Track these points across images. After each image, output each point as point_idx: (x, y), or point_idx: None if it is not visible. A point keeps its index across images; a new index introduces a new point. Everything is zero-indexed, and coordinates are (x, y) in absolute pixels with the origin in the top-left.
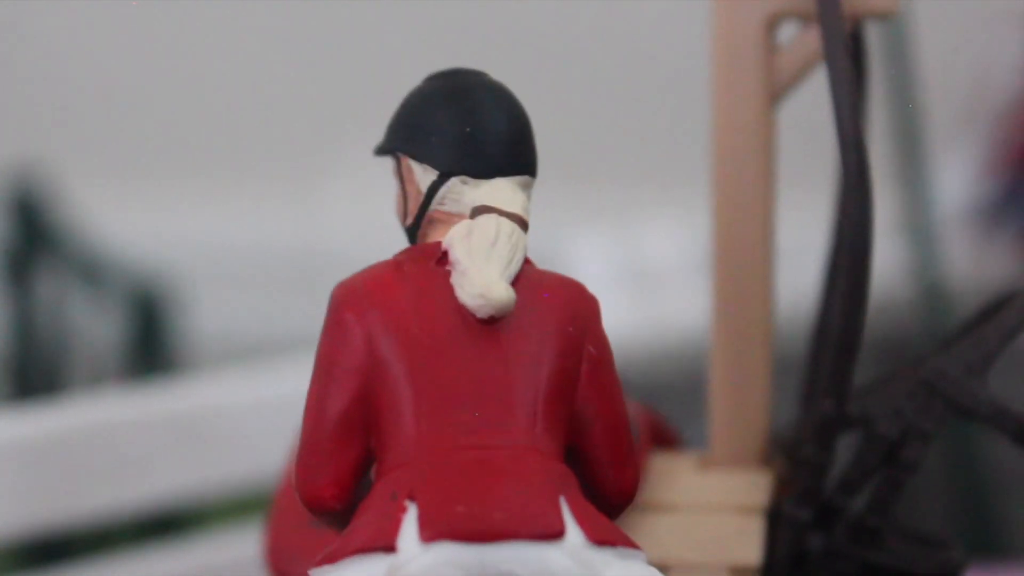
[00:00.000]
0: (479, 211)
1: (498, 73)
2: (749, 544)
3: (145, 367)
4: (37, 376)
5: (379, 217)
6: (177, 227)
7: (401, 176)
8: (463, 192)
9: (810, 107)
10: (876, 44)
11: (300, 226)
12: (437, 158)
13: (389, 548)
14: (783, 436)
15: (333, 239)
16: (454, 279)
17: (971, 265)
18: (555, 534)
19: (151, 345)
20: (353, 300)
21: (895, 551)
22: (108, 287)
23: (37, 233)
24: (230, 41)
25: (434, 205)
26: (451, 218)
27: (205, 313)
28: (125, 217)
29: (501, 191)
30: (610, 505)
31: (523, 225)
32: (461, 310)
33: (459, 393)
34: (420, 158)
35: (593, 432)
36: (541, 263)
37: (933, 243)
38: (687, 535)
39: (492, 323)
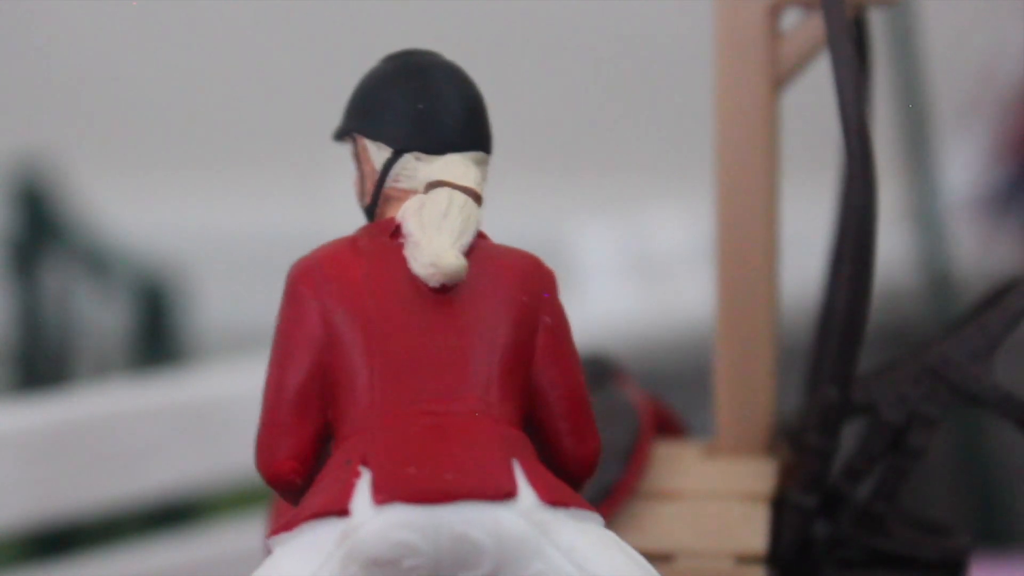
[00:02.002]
0: (432, 185)
1: (504, 64)
2: (755, 531)
3: (151, 357)
4: (43, 366)
5: None
6: (183, 218)
7: (358, 157)
8: (417, 168)
9: (813, 94)
10: (882, 33)
11: (306, 217)
12: (390, 135)
13: (343, 512)
14: (788, 423)
15: (339, 231)
16: (407, 251)
17: (977, 253)
18: (507, 494)
19: (157, 335)
20: (308, 276)
21: (901, 538)
22: (114, 277)
23: (42, 224)
24: (236, 32)
25: (389, 182)
26: (406, 195)
27: (211, 304)
28: (131, 208)
29: (454, 166)
30: (571, 477)
31: (476, 198)
32: (415, 281)
33: (412, 362)
34: (374, 136)
35: (550, 402)
36: (547, 251)
37: (939, 231)
38: (693, 523)
39: (445, 292)
